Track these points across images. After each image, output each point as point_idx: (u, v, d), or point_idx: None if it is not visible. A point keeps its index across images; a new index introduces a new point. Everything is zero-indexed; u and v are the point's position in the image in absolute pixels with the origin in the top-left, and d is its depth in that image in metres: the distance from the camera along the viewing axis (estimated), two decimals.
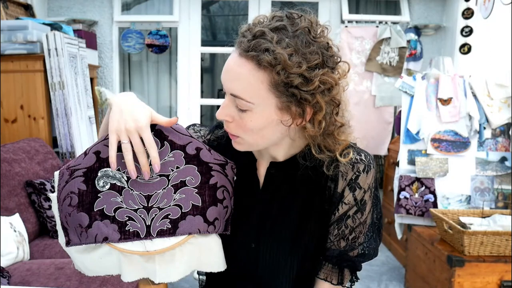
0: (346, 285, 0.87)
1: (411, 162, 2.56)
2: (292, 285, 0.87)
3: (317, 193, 0.84)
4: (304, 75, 0.70)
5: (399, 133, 2.74)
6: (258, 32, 0.71)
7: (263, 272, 0.86)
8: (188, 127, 0.95)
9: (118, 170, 0.74)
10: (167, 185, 0.75)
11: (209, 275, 0.94)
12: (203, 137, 0.94)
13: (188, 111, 3.63)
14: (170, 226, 0.74)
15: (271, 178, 0.86)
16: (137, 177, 0.74)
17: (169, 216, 0.74)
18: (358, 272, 0.88)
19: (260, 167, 0.88)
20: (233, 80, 0.73)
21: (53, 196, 0.75)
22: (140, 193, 0.74)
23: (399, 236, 2.71)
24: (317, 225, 0.84)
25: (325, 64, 0.72)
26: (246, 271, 0.87)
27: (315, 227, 0.84)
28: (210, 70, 5.59)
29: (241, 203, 0.83)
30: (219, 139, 0.93)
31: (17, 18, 2.76)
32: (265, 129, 0.75)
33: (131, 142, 0.71)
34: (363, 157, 0.82)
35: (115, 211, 0.73)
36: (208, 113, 5.40)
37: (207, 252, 0.78)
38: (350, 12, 3.49)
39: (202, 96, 3.67)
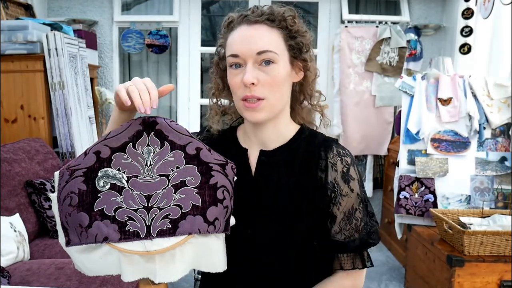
0: (369, 266, 0.92)
1: (411, 162, 2.56)
2: (289, 273, 0.89)
3: (307, 181, 0.88)
4: (304, 29, 0.88)
5: (399, 133, 2.74)
6: (260, 7, 0.86)
7: (260, 259, 0.89)
8: None
9: (118, 170, 0.74)
10: (167, 185, 0.75)
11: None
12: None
13: (188, 111, 3.63)
14: (170, 226, 0.74)
15: (262, 166, 0.91)
16: (137, 177, 0.74)
17: (169, 216, 0.74)
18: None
19: (251, 156, 0.92)
20: (256, 39, 0.83)
21: (53, 196, 0.75)
22: (140, 193, 0.74)
23: (399, 236, 2.71)
24: (309, 210, 0.87)
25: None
26: (244, 259, 0.88)
27: (306, 213, 0.87)
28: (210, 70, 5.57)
29: (235, 192, 0.84)
30: (210, 136, 0.98)
31: (17, 18, 2.76)
32: (284, 84, 0.86)
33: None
34: (347, 152, 0.91)
35: (115, 211, 0.73)
36: (207, 113, 5.39)
37: (207, 252, 0.78)
38: (350, 12, 3.49)
39: (202, 96, 3.67)
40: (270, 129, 0.90)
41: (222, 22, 0.91)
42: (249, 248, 0.89)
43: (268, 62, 0.82)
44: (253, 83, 0.82)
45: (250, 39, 0.83)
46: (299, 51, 0.87)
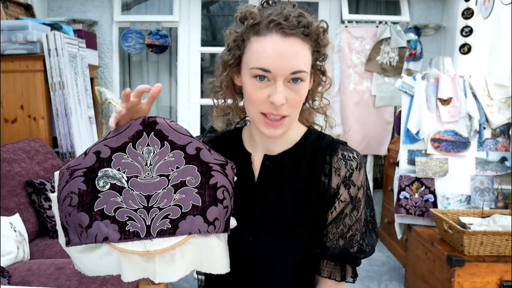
0: (349, 281, 0.88)
1: (411, 162, 2.56)
2: (290, 280, 0.88)
3: (311, 187, 0.85)
4: (329, 41, 0.85)
5: (399, 133, 2.74)
6: (291, 12, 0.79)
7: (260, 266, 0.87)
8: None
9: (118, 170, 0.74)
10: (167, 185, 0.75)
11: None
12: None
13: (188, 111, 3.63)
14: (170, 226, 0.74)
15: (265, 171, 0.88)
16: (137, 177, 0.74)
17: (169, 216, 0.74)
18: (357, 273, 0.90)
19: (255, 161, 0.90)
20: (291, 57, 0.77)
21: (53, 196, 0.75)
22: (140, 193, 0.74)
23: (399, 236, 2.71)
24: (312, 218, 0.85)
25: None
26: (244, 265, 0.87)
27: (310, 220, 0.85)
28: (210, 70, 5.57)
29: (237, 197, 0.84)
30: (215, 138, 0.96)
31: (17, 18, 2.76)
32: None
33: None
34: (355, 155, 0.86)
35: (115, 211, 0.73)
36: (208, 113, 5.38)
37: (208, 253, 0.78)
38: (350, 12, 3.49)
39: (202, 96, 3.67)
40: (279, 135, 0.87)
41: (236, 13, 0.81)
42: (250, 254, 0.87)
43: (296, 80, 0.78)
44: (283, 102, 0.78)
45: (284, 56, 0.76)
46: (319, 61, 0.85)
